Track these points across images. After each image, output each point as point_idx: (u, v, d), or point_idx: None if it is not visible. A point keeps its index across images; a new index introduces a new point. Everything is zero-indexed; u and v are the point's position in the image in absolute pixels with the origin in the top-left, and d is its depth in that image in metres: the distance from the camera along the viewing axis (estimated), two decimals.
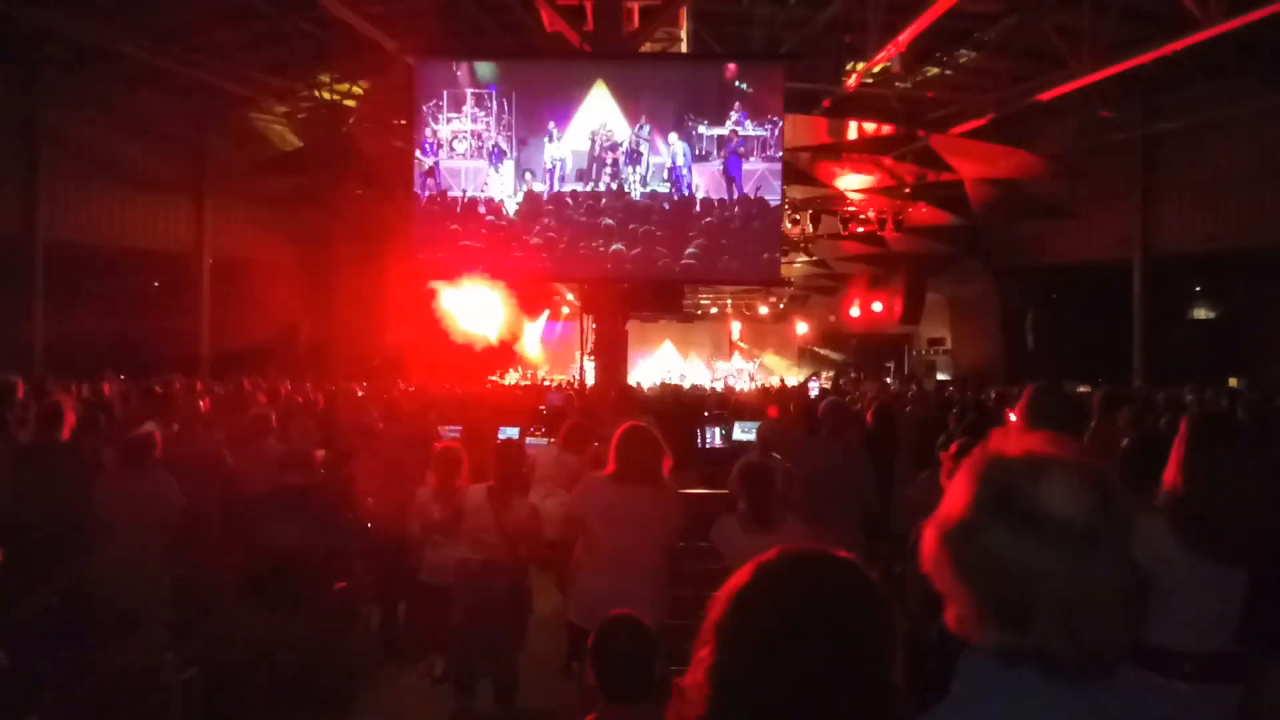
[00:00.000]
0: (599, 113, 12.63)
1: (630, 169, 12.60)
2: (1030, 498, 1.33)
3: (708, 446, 11.29)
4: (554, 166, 12.69)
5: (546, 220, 12.74)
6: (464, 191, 12.78)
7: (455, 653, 5.39)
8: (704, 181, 12.52)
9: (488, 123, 12.77)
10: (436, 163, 12.84)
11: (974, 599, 1.36)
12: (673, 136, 12.51)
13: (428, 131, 12.87)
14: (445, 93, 12.92)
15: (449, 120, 12.82)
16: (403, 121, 15.40)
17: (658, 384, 20.61)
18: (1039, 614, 1.29)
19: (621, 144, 12.61)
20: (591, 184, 12.63)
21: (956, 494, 1.41)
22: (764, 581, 1.44)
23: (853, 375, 23.09)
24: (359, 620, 6.39)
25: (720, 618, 1.43)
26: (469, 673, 5.37)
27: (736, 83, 12.63)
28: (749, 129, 12.56)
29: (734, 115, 12.53)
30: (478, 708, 5.39)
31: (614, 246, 12.56)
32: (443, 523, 5.46)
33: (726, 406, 15.12)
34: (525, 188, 12.75)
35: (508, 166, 12.76)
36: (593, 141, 12.63)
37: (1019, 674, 1.30)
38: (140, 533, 5.01)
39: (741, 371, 28.26)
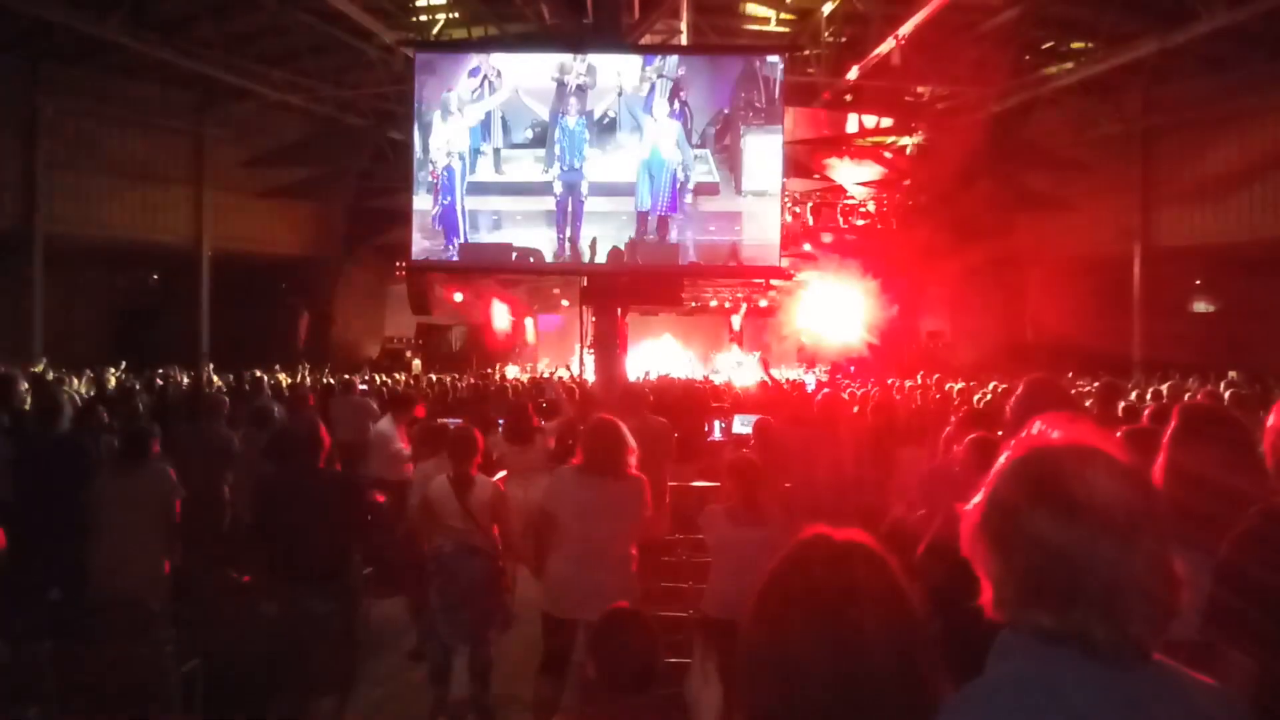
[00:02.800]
0: (602, 101, 12.52)
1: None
2: (1077, 486, 1.36)
3: (709, 440, 11.32)
4: (558, 150, 12.50)
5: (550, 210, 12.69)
6: (464, 183, 12.73)
7: (432, 639, 5.44)
8: (703, 172, 12.46)
9: (487, 114, 12.73)
10: (432, 155, 12.81)
11: (1015, 583, 1.39)
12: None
13: (427, 123, 12.83)
14: (444, 85, 12.89)
15: (448, 113, 12.78)
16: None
17: (654, 377, 20.60)
18: (1081, 599, 1.33)
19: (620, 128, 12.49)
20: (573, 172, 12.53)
21: (999, 479, 1.44)
22: (791, 567, 1.46)
23: (851, 369, 23.04)
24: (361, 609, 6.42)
25: (753, 605, 1.45)
26: (445, 658, 5.43)
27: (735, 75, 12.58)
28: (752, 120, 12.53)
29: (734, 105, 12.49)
30: (454, 694, 5.43)
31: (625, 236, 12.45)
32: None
33: (726, 399, 15.14)
34: (521, 175, 12.69)
35: (507, 155, 12.71)
36: (594, 127, 12.51)
37: (1058, 652, 1.33)
38: (140, 524, 5.03)
39: (741, 364, 28.24)
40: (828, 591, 1.39)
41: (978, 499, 1.47)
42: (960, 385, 13.24)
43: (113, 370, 13.51)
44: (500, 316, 23.73)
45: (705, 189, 12.37)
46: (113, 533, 4.97)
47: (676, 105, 12.25)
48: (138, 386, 12.01)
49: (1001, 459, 1.48)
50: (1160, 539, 1.38)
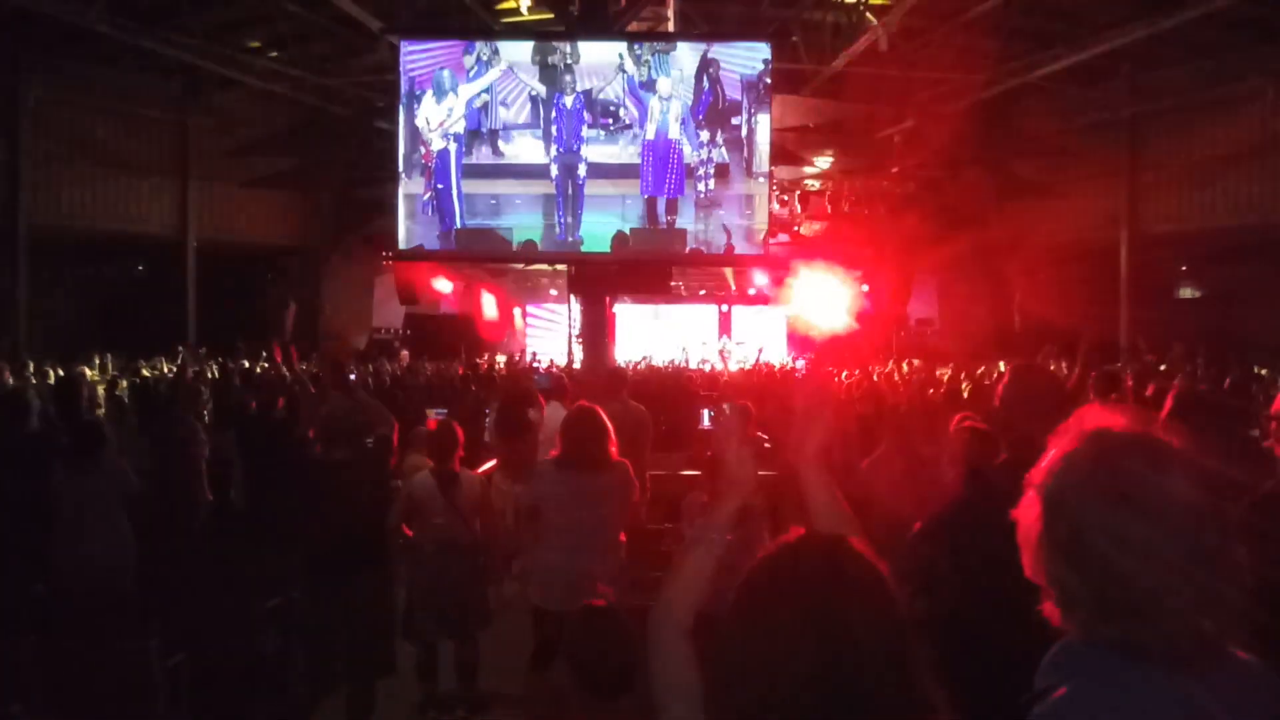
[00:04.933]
0: (601, 80, 12.34)
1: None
2: (1154, 488, 1.27)
3: (698, 428, 11.32)
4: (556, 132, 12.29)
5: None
6: (459, 166, 12.61)
7: (415, 635, 5.43)
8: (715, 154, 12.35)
9: (483, 92, 12.60)
10: (423, 142, 12.72)
11: (1091, 594, 1.29)
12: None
13: (419, 101, 12.71)
14: (438, 61, 12.77)
15: (442, 91, 12.65)
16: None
17: (643, 364, 20.54)
18: (1169, 608, 1.24)
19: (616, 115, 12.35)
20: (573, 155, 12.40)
21: (1059, 481, 1.34)
22: (775, 563, 1.38)
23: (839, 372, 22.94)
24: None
25: (734, 602, 1.38)
26: (430, 653, 5.43)
27: (722, 65, 12.47)
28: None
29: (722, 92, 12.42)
30: (442, 688, 5.44)
31: (632, 223, 12.31)
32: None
33: (716, 387, 15.13)
34: (520, 157, 12.56)
35: (505, 136, 12.58)
36: (594, 107, 12.34)
37: (1140, 664, 1.25)
38: (101, 518, 5.00)
39: (729, 352, 28.21)
40: (812, 589, 1.31)
41: (1031, 504, 1.37)
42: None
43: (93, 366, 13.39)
44: (489, 306, 23.67)
45: (719, 171, 12.27)
46: (76, 527, 4.95)
47: (705, 81, 12.08)
48: (118, 377, 11.93)
49: (1054, 457, 1.37)
50: (1234, 534, 1.30)
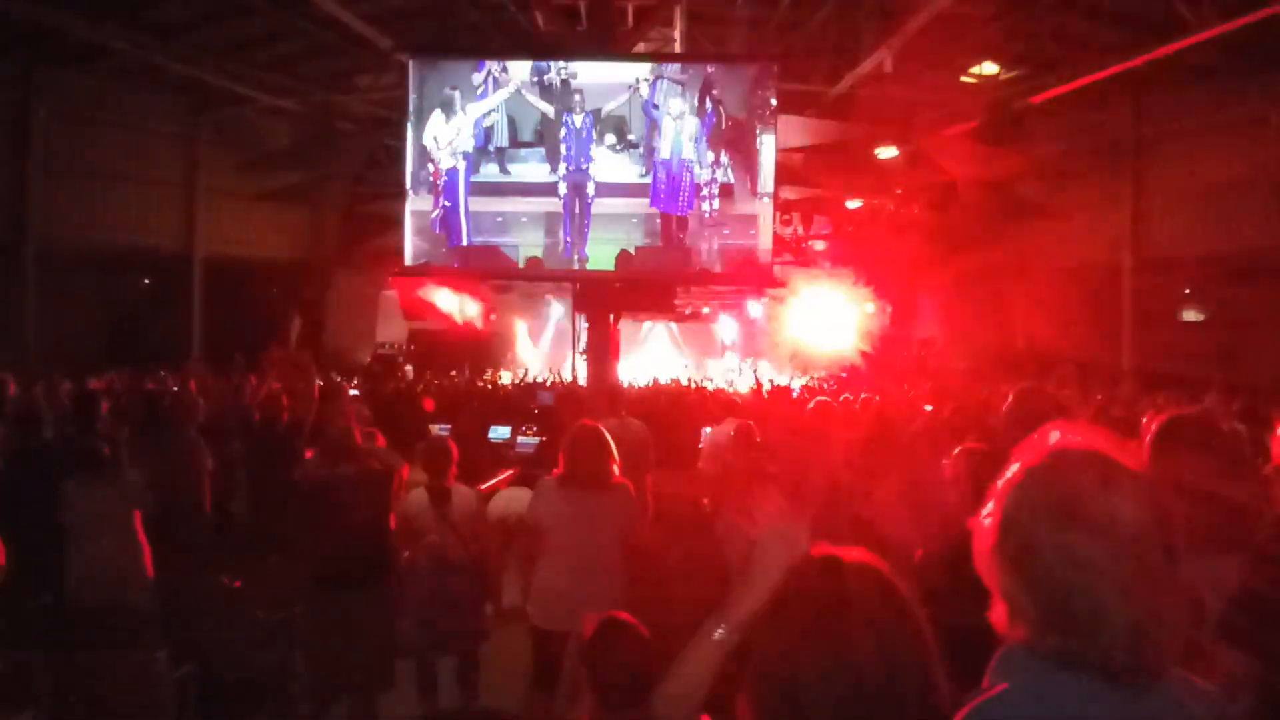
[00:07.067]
0: (612, 99, 12.37)
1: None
2: (1101, 507, 1.31)
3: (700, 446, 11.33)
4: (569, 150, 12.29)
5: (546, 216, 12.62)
6: (467, 184, 12.67)
7: (415, 651, 5.43)
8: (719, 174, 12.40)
9: (491, 112, 12.67)
10: (431, 160, 12.79)
11: (1035, 605, 1.33)
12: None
13: (428, 120, 12.78)
14: (448, 81, 12.86)
15: (451, 111, 12.73)
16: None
17: (649, 382, 20.56)
18: (1107, 626, 1.28)
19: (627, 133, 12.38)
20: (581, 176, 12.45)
21: (1014, 496, 1.38)
22: (798, 587, 1.42)
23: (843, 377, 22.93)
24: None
25: (760, 625, 1.42)
26: (430, 669, 5.43)
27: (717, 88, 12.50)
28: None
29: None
30: (443, 704, 5.45)
31: (636, 241, 12.29)
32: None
33: (718, 407, 15.13)
34: (527, 176, 12.61)
35: (513, 155, 12.64)
36: (603, 125, 12.35)
37: (1075, 676, 1.29)
38: (113, 531, 5.02)
39: (732, 371, 28.20)
40: (834, 613, 1.35)
41: (989, 515, 1.40)
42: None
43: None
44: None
45: (723, 191, 12.33)
46: (88, 540, 4.97)
47: (708, 103, 12.13)
48: (124, 390, 11.96)
49: (1012, 472, 1.41)
50: (1179, 556, 1.33)
